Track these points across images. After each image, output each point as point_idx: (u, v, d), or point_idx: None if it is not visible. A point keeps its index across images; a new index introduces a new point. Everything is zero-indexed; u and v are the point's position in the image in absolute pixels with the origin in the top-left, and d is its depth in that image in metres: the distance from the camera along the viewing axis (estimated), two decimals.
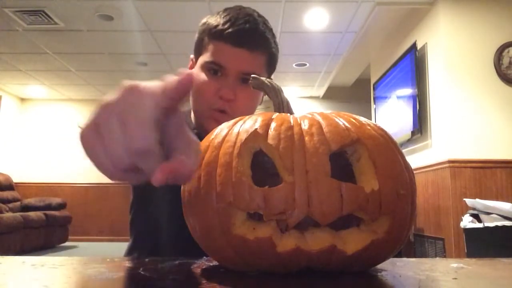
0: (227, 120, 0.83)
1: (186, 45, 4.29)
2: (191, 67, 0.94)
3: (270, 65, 0.90)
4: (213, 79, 0.84)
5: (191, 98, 0.89)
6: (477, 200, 2.55)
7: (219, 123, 0.84)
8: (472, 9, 3.16)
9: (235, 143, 0.45)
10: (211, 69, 0.85)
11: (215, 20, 0.85)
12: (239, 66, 0.83)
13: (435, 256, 3.06)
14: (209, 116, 0.86)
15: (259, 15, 0.87)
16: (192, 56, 0.94)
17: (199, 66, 0.87)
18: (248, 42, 0.83)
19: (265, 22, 0.87)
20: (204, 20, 0.89)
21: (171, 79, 0.34)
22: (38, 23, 3.94)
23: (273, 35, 0.89)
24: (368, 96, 4.91)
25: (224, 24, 0.83)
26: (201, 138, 0.91)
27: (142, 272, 0.46)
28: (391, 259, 0.54)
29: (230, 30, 0.82)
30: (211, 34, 0.84)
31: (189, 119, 0.96)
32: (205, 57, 0.86)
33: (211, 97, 0.84)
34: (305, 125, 0.46)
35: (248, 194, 0.41)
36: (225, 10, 0.87)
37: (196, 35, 0.90)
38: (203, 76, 0.85)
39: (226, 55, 0.83)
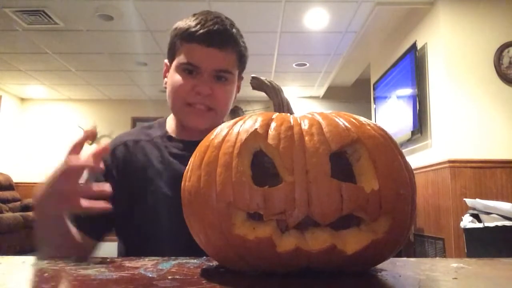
0: (210, 115, 0.90)
1: None
2: (166, 71, 0.98)
3: (241, 63, 0.95)
4: (188, 78, 0.89)
5: (169, 101, 0.94)
6: (477, 200, 2.54)
7: (201, 117, 0.90)
8: (472, 9, 3.16)
9: (235, 143, 0.45)
10: (186, 69, 0.90)
11: (185, 23, 0.91)
12: (212, 64, 0.88)
13: (435, 256, 3.06)
14: (189, 111, 0.90)
15: (226, 17, 0.93)
16: (166, 61, 0.98)
17: (174, 68, 0.92)
18: (218, 42, 0.88)
19: (232, 23, 0.93)
20: (174, 26, 0.95)
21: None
22: (38, 23, 3.94)
23: (241, 36, 0.94)
24: (368, 96, 4.91)
25: (194, 26, 0.88)
26: (183, 143, 0.95)
27: (142, 272, 0.46)
28: (391, 259, 0.54)
29: (201, 31, 0.87)
30: (183, 38, 0.90)
31: (164, 129, 1.00)
32: (179, 59, 0.90)
33: (188, 93, 0.89)
34: (305, 125, 0.45)
35: (248, 194, 0.41)
36: (194, 14, 0.93)
37: (169, 40, 0.96)
38: (178, 77, 0.90)
39: (199, 55, 0.88)
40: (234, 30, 0.92)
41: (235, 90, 0.98)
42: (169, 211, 0.84)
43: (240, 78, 1.01)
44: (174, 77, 0.91)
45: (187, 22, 0.91)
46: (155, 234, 0.87)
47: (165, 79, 0.98)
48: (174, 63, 0.93)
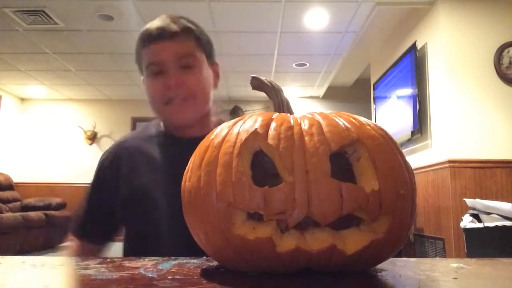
0: (189, 104, 0.91)
1: None
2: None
3: (204, 46, 0.97)
4: (158, 78, 0.92)
5: (152, 109, 0.96)
6: (477, 200, 2.54)
7: (181, 109, 0.91)
8: (472, 9, 3.16)
9: (235, 143, 0.45)
10: (153, 71, 0.93)
11: (139, 36, 0.96)
12: (170, 54, 0.91)
13: (435, 256, 3.06)
14: (169, 109, 0.92)
15: (177, 16, 0.97)
16: (142, 77, 0.99)
17: (145, 76, 0.95)
18: (168, 34, 0.91)
19: (181, 16, 0.97)
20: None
21: None
22: (38, 23, 3.94)
23: (194, 24, 0.97)
24: (368, 96, 4.91)
25: (143, 33, 0.93)
26: (173, 138, 0.96)
27: (142, 272, 0.46)
28: (391, 259, 0.54)
29: (149, 32, 0.92)
30: (139, 46, 0.95)
31: (159, 127, 1.02)
32: (145, 66, 0.94)
33: (161, 92, 0.91)
34: (305, 125, 0.46)
35: (248, 194, 0.41)
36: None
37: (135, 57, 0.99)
38: (149, 82, 0.94)
39: (156, 51, 0.92)
40: (182, 20, 0.95)
41: (212, 75, 0.99)
42: (168, 211, 0.84)
43: (214, 63, 1.02)
44: (147, 84, 0.94)
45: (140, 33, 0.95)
46: (155, 234, 0.87)
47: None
48: (143, 72, 0.96)
